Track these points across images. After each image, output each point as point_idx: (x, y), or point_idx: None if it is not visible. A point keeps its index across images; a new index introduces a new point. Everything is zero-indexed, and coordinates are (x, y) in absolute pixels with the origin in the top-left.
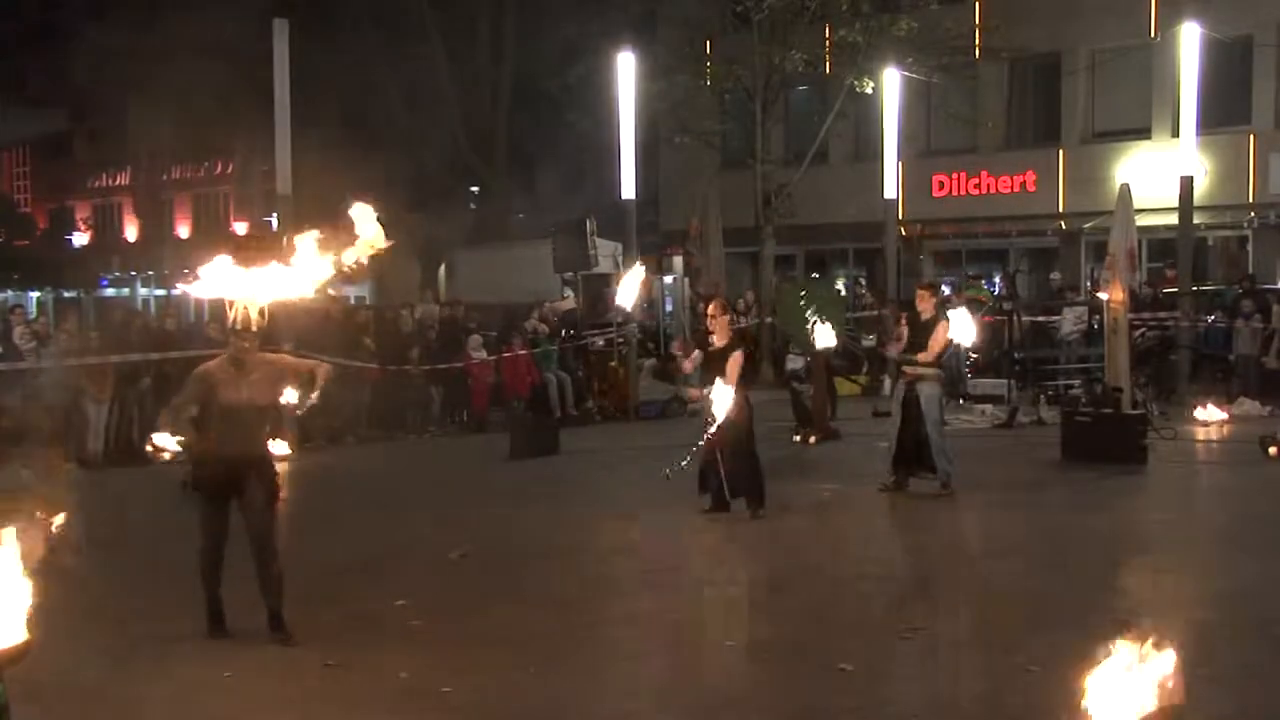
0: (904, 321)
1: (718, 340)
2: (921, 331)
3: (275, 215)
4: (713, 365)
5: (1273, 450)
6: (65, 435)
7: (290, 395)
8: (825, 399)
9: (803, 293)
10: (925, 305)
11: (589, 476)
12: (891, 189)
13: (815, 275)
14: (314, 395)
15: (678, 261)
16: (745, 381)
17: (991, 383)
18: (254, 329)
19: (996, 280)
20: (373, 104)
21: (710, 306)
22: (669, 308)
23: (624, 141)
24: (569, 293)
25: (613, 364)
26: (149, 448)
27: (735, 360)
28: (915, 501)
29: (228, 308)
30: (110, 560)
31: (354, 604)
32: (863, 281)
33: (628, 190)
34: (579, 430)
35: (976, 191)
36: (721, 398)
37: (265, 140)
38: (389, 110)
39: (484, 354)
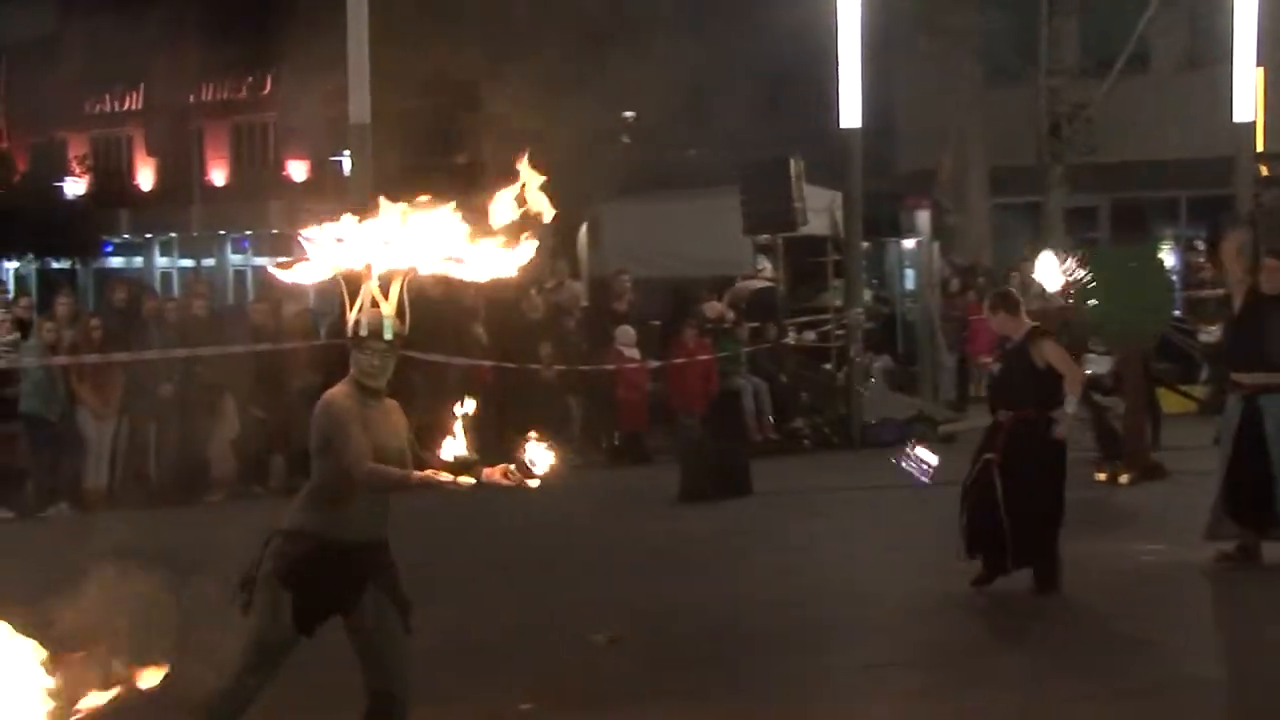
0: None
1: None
2: (1267, 318)
3: (348, 154)
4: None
5: None
6: (53, 464)
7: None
8: (1144, 419)
9: (1109, 263)
10: (1272, 281)
11: (795, 530)
12: (1246, 108)
13: (1128, 238)
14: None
15: (923, 218)
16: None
17: None
18: (394, 334)
19: None
20: None
21: (990, 301)
22: (909, 285)
23: (845, 46)
24: (765, 264)
25: (828, 366)
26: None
27: (1063, 358)
28: (1273, 579)
29: (345, 299)
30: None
31: (463, 702)
32: (1199, 246)
33: (850, 116)
34: (780, 461)
35: None
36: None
37: (329, 44)
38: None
39: (638, 353)
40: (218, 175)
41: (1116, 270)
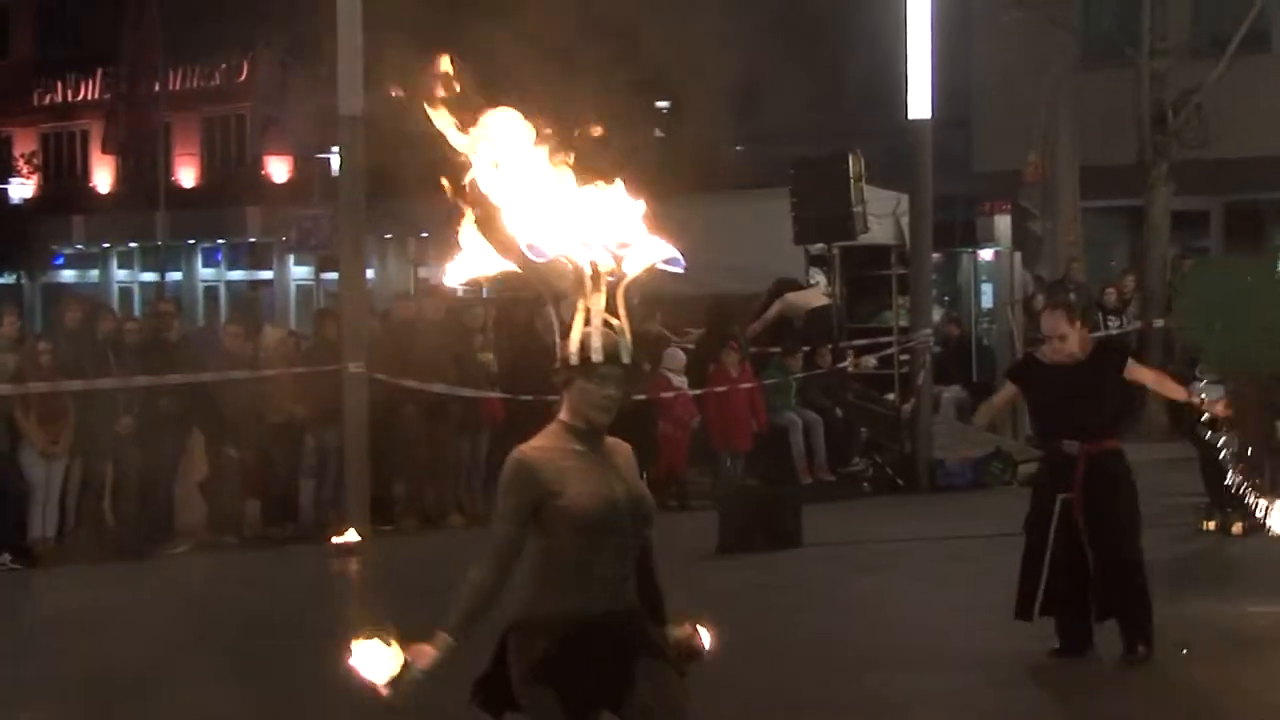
0: None
1: (1063, 354)
2: None
3: (338, 150)
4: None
5: None
6: None
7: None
8: (1262, 459)
9: (1221, 276)
10: None
11: (851, 586)
12: None
13: (1244, 247)
14: None
15: (1003, 224)
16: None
17: None
18: (614, 358)
19: None
20: None
21: (1049, 319)
22: (986, 302)
23: (915, 25)
24: (819, 278)
25: (891, 397)
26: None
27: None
28: None
29: (553, 316)
30: None
31: None
32: None
33: (919, 106)
34: (835, 508)
35: None
36: None
37: (316, 23)
38: None
39: (685, 380)
40: (186, 176)
41: (1229, 284)
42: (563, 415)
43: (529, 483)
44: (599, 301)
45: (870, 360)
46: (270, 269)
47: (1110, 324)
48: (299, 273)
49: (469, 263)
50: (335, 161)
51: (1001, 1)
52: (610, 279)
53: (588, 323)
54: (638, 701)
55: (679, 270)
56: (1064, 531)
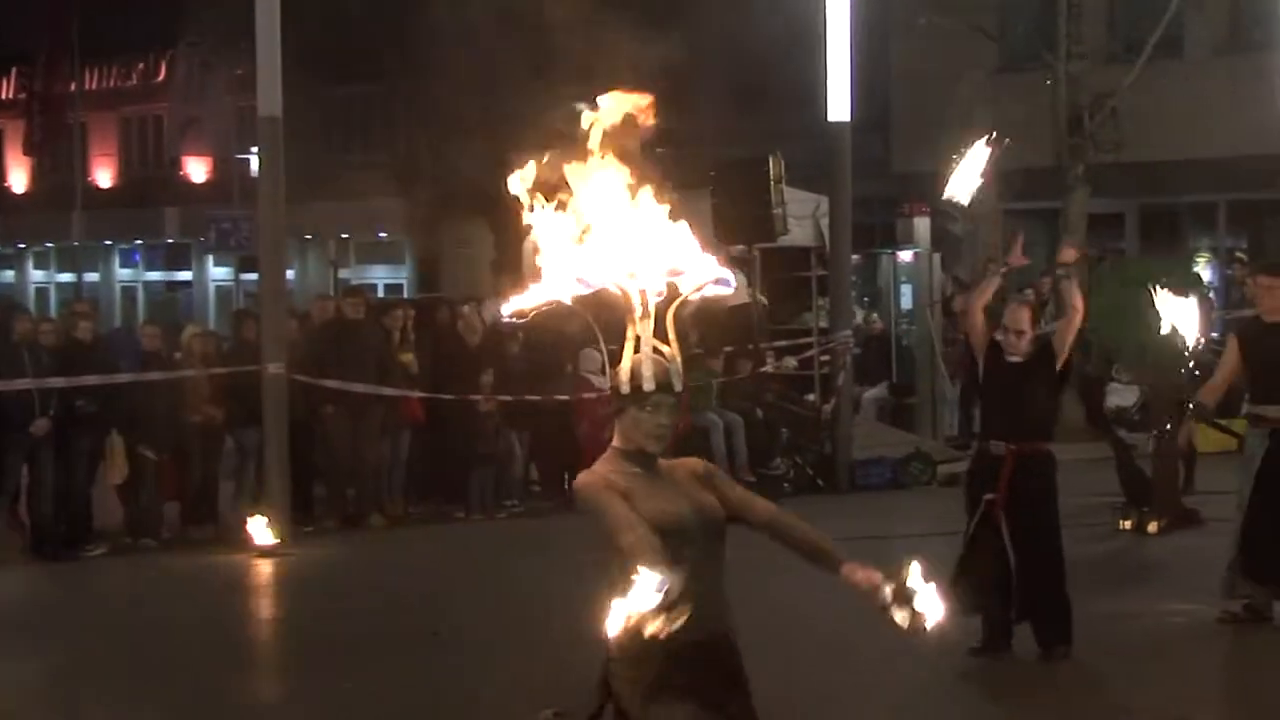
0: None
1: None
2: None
3: (258, 150)
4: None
5: None
6: None
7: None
8: (1176, 459)
9: (1136, 278)
10: (1275, 300)
11: (772, 588)
12: None
13: (1159, 249)
14: None
15: (922, 226)
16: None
17: None
18: (665, 386)
19: None
20: None
21: (1015, 314)
22: (905, 303)
23: (834, 28)
24: (738, 280)
25: (811, 397)
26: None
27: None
28: None
29: (600, 339)
30: None
31: None
32: (1243, 258)
33: (839, 109)
34: None
35: None
36: None
37: (236, 22)
38: None
39: (605, 381)
40: (103, 176)
41: (1143, 286)
42: (616, 442)
43: (610, 487)
44: (648, 328)
45: (791, 361)
46: (189, 270)
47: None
48: (218, 273)
49: (530, 294)
50: (255, 162)
51: (919, 5)
52: (659, 303)
53: (637, 350)
54: None
55: (729, 291)
56: (986, 531)
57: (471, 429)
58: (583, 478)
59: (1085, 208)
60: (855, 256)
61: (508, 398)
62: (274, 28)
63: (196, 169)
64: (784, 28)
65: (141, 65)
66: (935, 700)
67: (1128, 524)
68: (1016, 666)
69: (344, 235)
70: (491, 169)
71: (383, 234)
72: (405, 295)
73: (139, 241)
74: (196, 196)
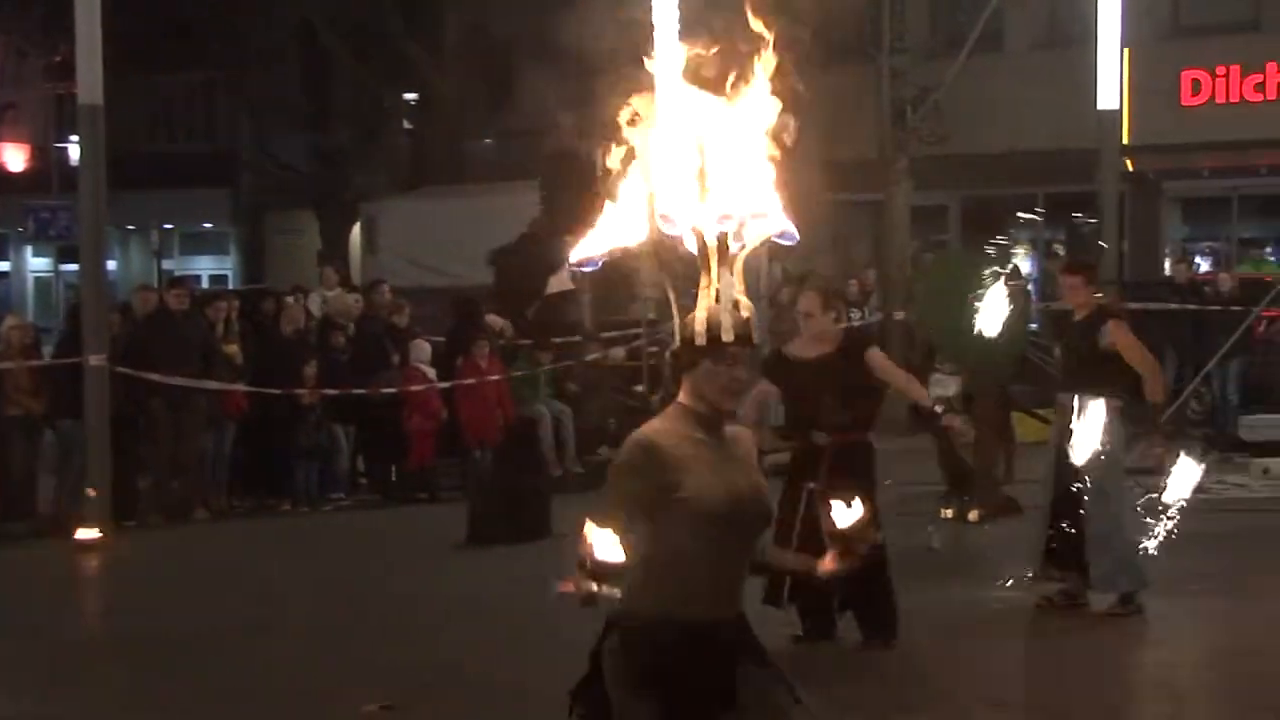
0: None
1: (811, 349)
2: (1079, 342)
3: (78, 139)
4: (809, 393)
5: None
6: None
7: None
8: (996, 448)
9: (959, 269)
10: (1078, 297)
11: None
12: (1111, 94)
13: (980, 240)
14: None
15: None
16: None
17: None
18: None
19: None
20: None
21: (805, 299)
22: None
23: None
24: (568, 270)
25: (639, 388)
26: (572, 587)
27: (887, 365)
28: (1102, 629)
29: (670, 291)
30: None
31: None
32: (1059, 251)
33: None
34: (585, 499)
35: (1256, 98)
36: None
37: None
38: None
39: (435, 373)
40: None
41: (966, 278)
42: (683, 398)
43: (649, 469)
44: (728, 278)
45: (619, 352)
46: (6, 260)
47: (853, 315)
48: (37, 264)
49: (601, 235)
50: (75, 151)
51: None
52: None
53: (716, 300)
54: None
55: (791, 244)
56: (810, 521)
57: (294, 421)
58: (634, 437)
59: (909, 200)
60: None
61: (332, 391)
62: (94, 15)
63: (14, 157)
64: (621, 18)
65: None
66: None
67: (948, 513)
68: (839, 654)
69: (167, 226)
70: (318, 160)
71: (207, 224)
72: (230, 286)
73: None
74: (14, 185)
